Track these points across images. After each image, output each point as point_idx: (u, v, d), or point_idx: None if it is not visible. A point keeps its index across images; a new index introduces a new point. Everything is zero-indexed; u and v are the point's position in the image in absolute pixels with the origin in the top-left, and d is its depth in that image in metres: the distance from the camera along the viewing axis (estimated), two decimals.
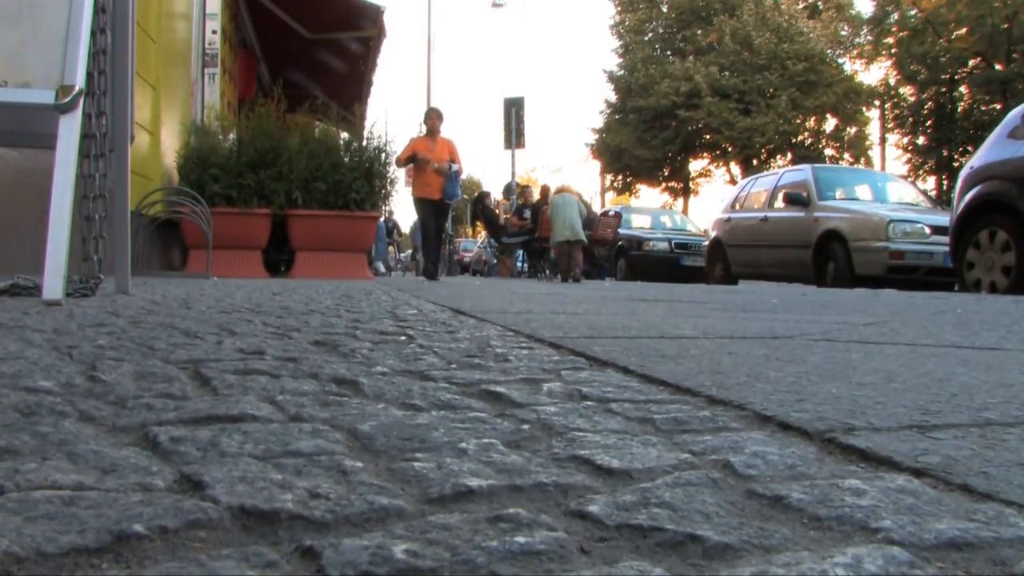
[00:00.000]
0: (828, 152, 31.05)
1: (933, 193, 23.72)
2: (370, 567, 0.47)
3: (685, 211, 30.56)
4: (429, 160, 9.25)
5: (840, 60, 31.35)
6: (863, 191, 10.70)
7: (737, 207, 11.84)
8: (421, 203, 9.61)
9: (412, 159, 9.41)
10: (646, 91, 31.18)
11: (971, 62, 25.77)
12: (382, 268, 16.07)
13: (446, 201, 9.71)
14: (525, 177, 28.99)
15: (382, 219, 25.28)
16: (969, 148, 23.70)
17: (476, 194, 17.39)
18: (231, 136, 8.58)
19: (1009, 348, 1.92)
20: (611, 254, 14.41)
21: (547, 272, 13.15)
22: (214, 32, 9.40)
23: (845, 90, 29.70)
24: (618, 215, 14.09)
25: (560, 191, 11.46)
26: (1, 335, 1.55)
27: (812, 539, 0.55)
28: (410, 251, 24.51)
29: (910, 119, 28.74)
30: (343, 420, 0.88)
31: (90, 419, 0.84)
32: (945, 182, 26.62)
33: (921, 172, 28.52)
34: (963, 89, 27.19)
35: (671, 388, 1.16)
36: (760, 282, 10.80)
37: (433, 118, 9.65)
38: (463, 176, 9.77)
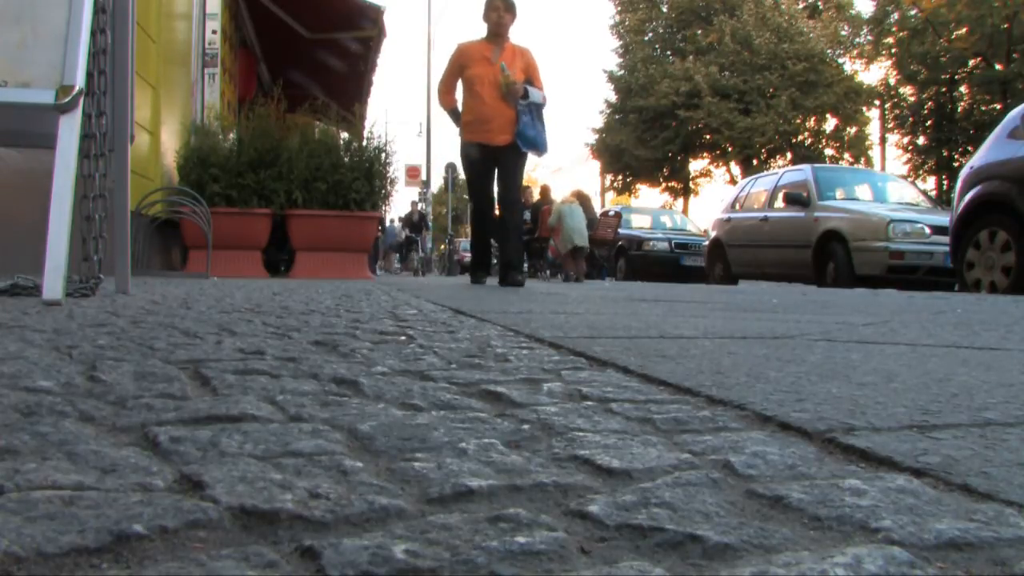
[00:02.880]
0: (828, 152, 31.07)
1: (933, 193, 23.72)
2: (370, 567, 0.47)
3: (685, 211, 30.56)
4: (493, 65, 5.49)
5: (840, 60, 31.38)
6: (863, 191, 10.71)
7: (737, 207, 11.84)
8: (471, 153, 5.80)
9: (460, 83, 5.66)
10: (646, 91, 31.20)
11: (971, 62, 25.78)
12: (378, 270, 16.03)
13: (523, 150, 5.73)
14: (525, 177, 28.96)
15: (403, 213, 25.01)
16: (969, 148, 23.70)
17: None
18: (231, 136, 8.58)
19: (1009, 348, 1.92)
20: (611, 254, 14.43)
21: (547, 272, 13.16)
22: (214, 32, 9.39)
23: (845, 90, 29.72)
24: (618, 215, 14.11)
25: (577, 197, 11.60)
26: (1, 335, 1.55)
27: (812, 539, 0.55)
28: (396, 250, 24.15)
29: (910, 119, 28.75)
30: (343, 420, 0.87)
31: (90, 419, 0.84)
32: (945, 182, 26.63)
33: (921, 172, 28.53)
34: (963, 89, 27.20)
35: (671, 388, 1.15)
36: (760, 282, 10.81)
37: (500, 9, 5.70)
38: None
